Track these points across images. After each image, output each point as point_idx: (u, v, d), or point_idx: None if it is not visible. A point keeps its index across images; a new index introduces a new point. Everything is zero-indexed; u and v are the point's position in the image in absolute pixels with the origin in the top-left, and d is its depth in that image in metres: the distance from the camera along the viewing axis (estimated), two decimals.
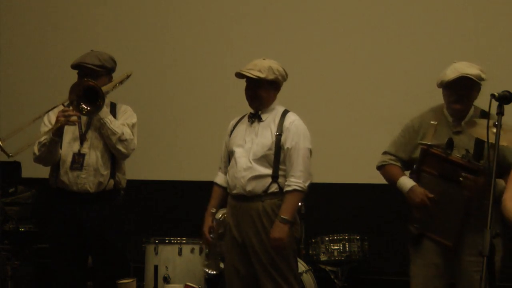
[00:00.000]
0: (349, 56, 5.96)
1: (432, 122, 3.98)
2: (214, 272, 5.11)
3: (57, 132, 4.33)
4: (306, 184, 4.18)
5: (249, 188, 4.16)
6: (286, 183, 4.17)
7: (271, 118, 4.26)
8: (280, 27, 6.15)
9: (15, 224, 6.09)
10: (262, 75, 4.17)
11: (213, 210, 4.37)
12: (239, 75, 4.24)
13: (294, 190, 4.15)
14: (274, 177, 4.18)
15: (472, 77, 3.88)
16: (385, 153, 4.13)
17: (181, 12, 6.47)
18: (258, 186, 4.17)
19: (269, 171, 4.18)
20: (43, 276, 5.90)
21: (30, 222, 6.19)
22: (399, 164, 4.07)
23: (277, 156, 4.18)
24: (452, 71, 3.91)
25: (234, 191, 4.22)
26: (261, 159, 4.18)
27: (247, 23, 6.27)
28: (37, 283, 5.99)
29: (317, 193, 4.38)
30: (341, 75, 5.98)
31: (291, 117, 4.25)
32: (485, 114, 3.91)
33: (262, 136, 4.22)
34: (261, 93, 4.22)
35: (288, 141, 4.17)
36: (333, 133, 5.78)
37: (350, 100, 5.93)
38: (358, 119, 5.85)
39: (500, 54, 5.56)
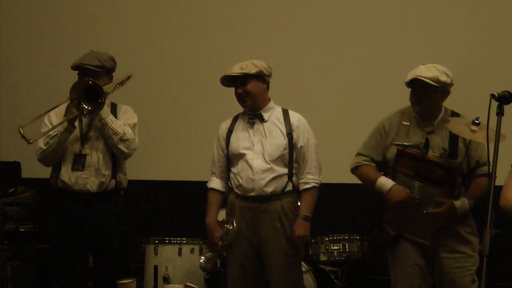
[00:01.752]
0: (349, 56, 5.96)
1: (404, 123, 4.05)
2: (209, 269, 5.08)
3: (72, 122, 4.34)
4: (320, 179, 4.27)
5: (270, 189, 4.17)
6: (302, 180, 4.22)
7: (274, 117, 4.28)
8: (281, 28, 6.15)
9: (15, 224, 6.10)
10: (245, 70, 4.20)
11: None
12: (224, 79, 4.27)
13: (313, 187, 4.22)
14: (290, 176, 4.21)
15: (424, 80, 3.91)
16: (358, 155, 4.17)
17: (181, 12, 6.47)
18: (278, 186, 4.19)
19: (285, 170, 4.20)
20: (43, 276, 5.89)
21: (30, 222, 6.19)
22: (373, 164, 4.11)
23: (291, 155, 4.22)
24: (411, 73, 3.96)
25: (251, 194, 4.18)
26: (278, 159, 4.20)
27: (247, 23, 6.27)
28: (37, 283, 5.98)
29: None
30: (339, 74, 5.98)
31: (296, 115, 4.30)
32: (456, 115, 4.02)
33: (272, 136, 4.23)
34: (249, 89, 4.22)
35: (300, 139, 4.22)
36: (332, 133, 5.78)
37: (350, 100, 5.93)
38: (358, 119, 5.84)
39: (499, 53, 5.56)
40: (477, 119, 3.76)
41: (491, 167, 3.03)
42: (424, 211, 3.89)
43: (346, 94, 5.95)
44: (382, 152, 4.08)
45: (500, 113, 3.22)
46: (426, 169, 3.91)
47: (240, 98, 4.26)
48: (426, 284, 3.98)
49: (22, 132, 4.21)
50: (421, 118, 4.04)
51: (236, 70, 4.23)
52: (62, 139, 4.35)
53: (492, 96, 3.27)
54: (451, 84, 4.00)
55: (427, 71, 3.94)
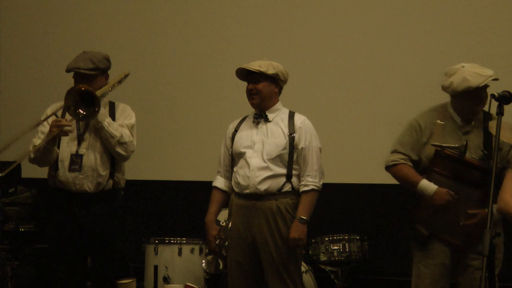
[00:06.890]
0: (350, 57, 5.95)
1: (439, 122, 3.99)
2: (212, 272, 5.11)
3: (51, 141, 4.34)
4: (321, 183, 4.25)
5: (264, 187, 4.17)
6: (302, 182, 4.21)
7: (278, 118, 4.29)
8: (281, 28, 6.14)
9: (15, 224, 6.09)
10: (262, 69, 4.22)
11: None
12: (240, 71, 4.28)
13: (312, 190, 4.21)
14: (288, 177, 4.21)
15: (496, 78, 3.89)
16: (394, 152, 4.07)
17: (181, 12, 6.46)
18: (273, 185, 4.18)
19: (283, 170, 4.20)
20: (43, 276, 5.89)
21: (30, 222, 6.17)
22: (410, 164, 4.02)
23: (291, 156, 4.21)
24: (476, 77, 3.87)
25: (247, 191, 4.20)
26: (276, 159, 4.20)
27: (247, 23, 6.26)
28: (37, 283, 5.98)
29: None
30: (341, 75, 5.97)
31: (301, 117, 4.31)
32: (487, 115, 3.94)
33: (273, 136, 4.24)
34: (260, 88, 4.25)
35: (302, 141, 4.22)
36: (333, 133, 5.78)
37: (351, 100, 5.92)
38: (358, 120, 5.84)
39: (500, 54, 5.56)
40: None
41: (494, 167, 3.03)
42: (461, 224, 3.86)
43: (346, 94, 5.94)
44: (418, 150, 4.00)
45: (500, 113, 3.23)
46: (463, 170, 3.87)
47: (250, 94, 4.28)
48: (447, 283, 3.96)
49: None
50: (463, 118, 3.98)
51: (253, 66, 4.24)
52: (44, 153, 4.37)
53: (492, 96, 3.28)
54: None
55: (488, 70, 3.91)
